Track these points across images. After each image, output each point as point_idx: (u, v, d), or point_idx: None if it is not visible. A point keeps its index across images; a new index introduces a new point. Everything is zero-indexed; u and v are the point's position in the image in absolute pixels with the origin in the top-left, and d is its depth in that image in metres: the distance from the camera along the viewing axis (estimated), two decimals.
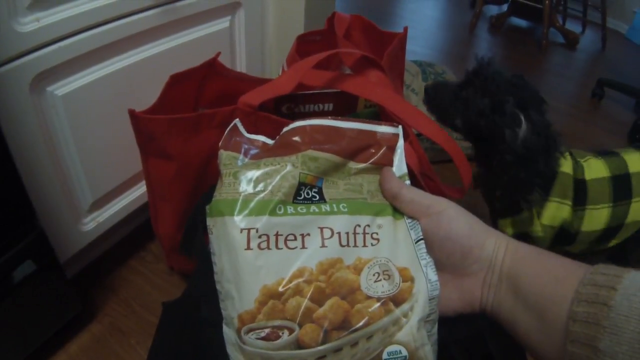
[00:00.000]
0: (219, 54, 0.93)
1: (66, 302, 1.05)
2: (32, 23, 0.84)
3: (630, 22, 3.74)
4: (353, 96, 0.99)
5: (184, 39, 1.13)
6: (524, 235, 1.13)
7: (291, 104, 1.00)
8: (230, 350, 0.52)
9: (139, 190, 1.19)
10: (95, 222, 1.11)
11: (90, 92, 0.97)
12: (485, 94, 1.03)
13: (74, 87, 0.94)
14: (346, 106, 1.04)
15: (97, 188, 1.07)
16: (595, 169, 1.12)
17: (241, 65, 1.36)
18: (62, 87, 0.93)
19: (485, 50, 3.15)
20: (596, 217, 1.11)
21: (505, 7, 3.86)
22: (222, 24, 1.23)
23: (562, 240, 1.15)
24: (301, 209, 0.54)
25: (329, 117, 0.60)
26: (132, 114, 0.84)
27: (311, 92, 0.96)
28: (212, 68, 0.93)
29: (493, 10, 3.96)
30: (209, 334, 0.77)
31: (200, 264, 0.80)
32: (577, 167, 1.12)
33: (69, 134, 0.96)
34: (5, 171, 0.83)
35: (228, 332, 0.53)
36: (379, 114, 0.93)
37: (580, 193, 1.10)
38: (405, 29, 1.16)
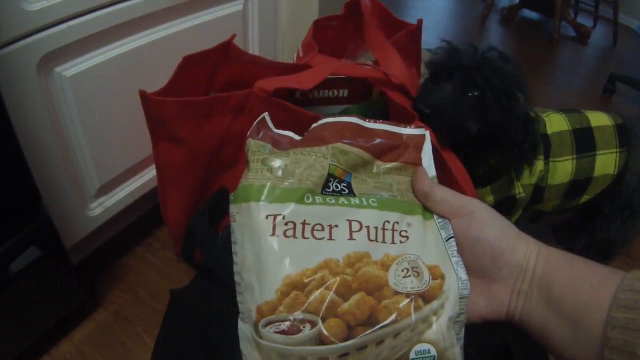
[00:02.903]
0: (234, 36, 0.90)
1: (71, 289, 1.04)
2: (40, 1, 0.81)
3: None
4: (368, 83, 0.97)
5: (196, 21, 1.10)
6: (505, 200, 1.13)
7: (305, 90, 0.98)
8: (245, 347, 0.50)
9: (147, 176, 1.17)
10: (102, 207, 1.09)
11: (99, 73, 0.94)
12: (483, 88, 0.93)
13: (83, 68, 0.92)
14: (361, 93, 1.02)
15: (104, 172, 1.05)
16: (556, 123, 1.13)
17: (254, 49, 1.34)
18: (70, 68, 0.90)
19: (495, 42, 3.12)
20: (560, 170, 1.11)
21: (516, 0, 3.83)
22: (236, 6, 1.20)
23: (535, 197, 1.14)
24: (330, 199, 0.52)
25: (356, 117, 0.58)
26: (143, 95, 0.82)
27: (326, 77, 0.93)
28: (226, 51, 0.91)
29: (504, 2, 3.93)
30: (217, 327, 0.76)
31: (207, 258, 0.78)
32: (540, 122, 1.12)
33: (76, 116, 0.94)
34: (10, 154, 0.81)
35: (243, 328, 0.50)
36: None
37: (545, 147, 1.10)
38: (419, 21, 1.13)
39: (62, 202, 0.99)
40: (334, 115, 0.99)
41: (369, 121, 0.58)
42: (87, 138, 0.98)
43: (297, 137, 0.57)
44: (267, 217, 0.49)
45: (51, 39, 0.85)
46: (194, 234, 0.80)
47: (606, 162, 1.12)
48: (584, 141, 1.11)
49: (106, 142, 1.03)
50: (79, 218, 1.05)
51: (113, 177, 1.08)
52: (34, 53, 0.83)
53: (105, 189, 1.09)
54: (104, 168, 1.05)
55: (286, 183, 0.51)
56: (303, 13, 1.37)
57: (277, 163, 0.53)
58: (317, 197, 0.52)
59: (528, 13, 3.79)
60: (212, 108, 0.85)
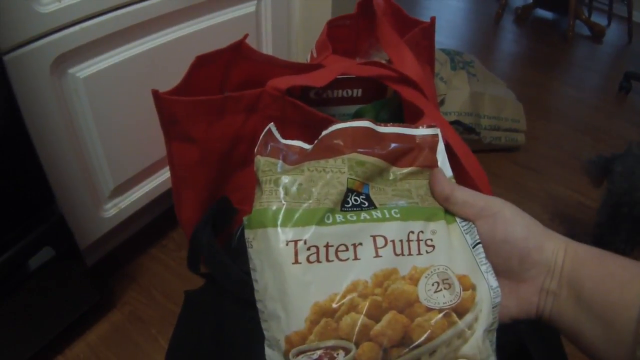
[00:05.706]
0: (246, 35, 0.90)
1: (85, 290, 1.04)
2: (53, 3, 0.82)
3: None
4: (382, 82, 0.96)
5: (209, 23, 1.10)
6: None
7: (319, 89, 0.97)
8: None
9: (162, 177, 1.17)
10: (117, 208, 1.09)
11: (113, 74, 0.95)
12: None
13: (96, 69, 0.92)
14: (375, 92, 1.01)
15: (118, 173, 1.05)
16: None
17: (267, 50, 1.33)
18: (84, 70, 0.91)
19: (510, 41, 3.10)
20: None
21: None
22: (249, 7, 1.20)
23: None
24: (351, 216, 0.50)
25: (367, 120, 0.55)
26: (156, 94, 0.81)
27: (340, 77, 0.93)
28: (239, 50, 0.91)
29: (518, 1, 3.90)
30: (231, 329, 0.76)
31: (213, 270, 0.78)
32: None
33: (90, 117, 0.94)
34: (25, 155, 0.82)
35: (271, 355, 0.48)
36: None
37: None
38: (432, 19, 1.12)
39: (77, 203, 0.99)
40: (348, 115, 0.99)
41: (380, 125, 0.55)
42: (101, 139, 0.98)
43: (306, 146, 0.54)
44: (287, 244, 0.47)
45: (64, 41, 0.85)
46: (199, 245, 0.80)
47: None
48: None
49: (120, 143, 1.03)
50: (94, 219, 1.05)
51: (127, 178, 1.08)
52: (47, 55, 0.83)
53: (120, 190, 1.09)
54: (119, 169, 1.05)
55: (304, 204, 0.48)
56: (316, 13, 1.36)
57: (291, 182, 0.50)
58: (337, 216, 0.49)
59: (542, 12, 3.76)
60: (224, 107, 0.84)
